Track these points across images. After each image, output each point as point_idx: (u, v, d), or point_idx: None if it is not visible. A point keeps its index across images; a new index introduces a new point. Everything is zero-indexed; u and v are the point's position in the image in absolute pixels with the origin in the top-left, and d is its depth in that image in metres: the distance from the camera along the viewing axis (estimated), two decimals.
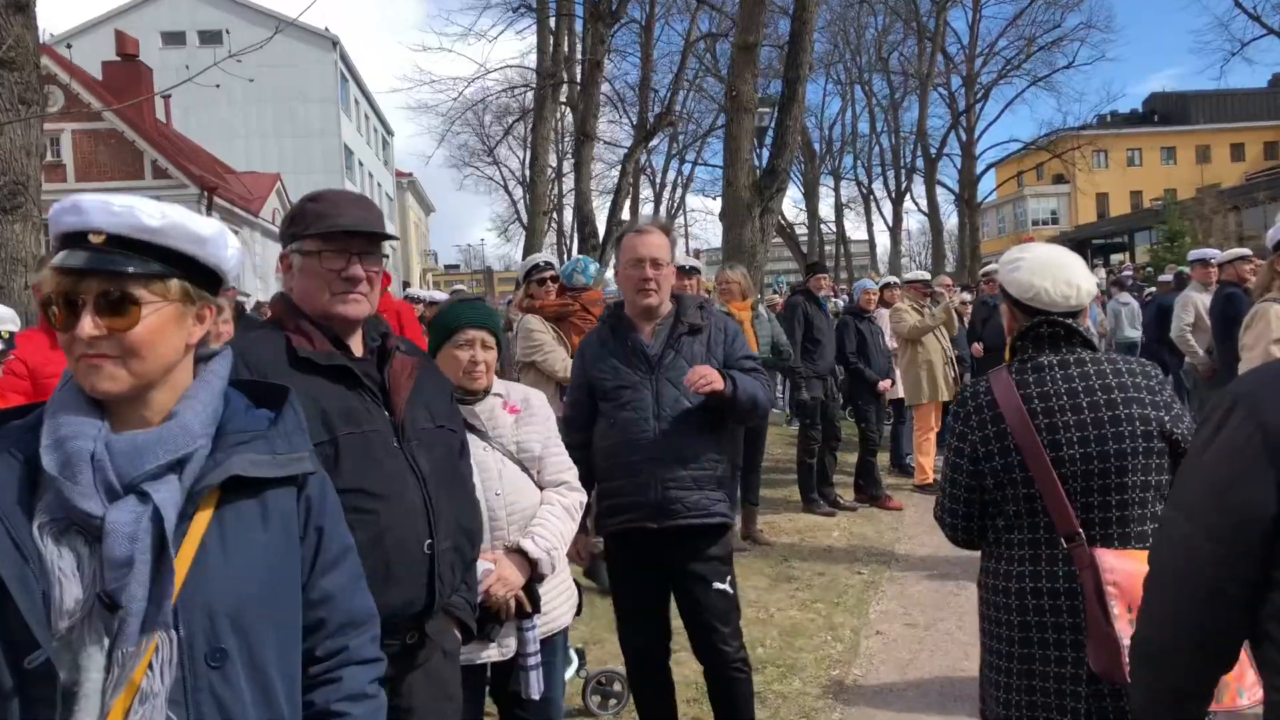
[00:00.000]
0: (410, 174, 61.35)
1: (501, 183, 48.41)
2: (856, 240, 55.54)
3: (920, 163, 40.31)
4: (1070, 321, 2.29)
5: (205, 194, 22.45)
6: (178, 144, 24.79)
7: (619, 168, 28.43)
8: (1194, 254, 8.38)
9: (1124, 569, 2.09)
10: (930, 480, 8.27)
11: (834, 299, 12.52)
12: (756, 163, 13.42)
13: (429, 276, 64.46)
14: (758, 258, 13.11)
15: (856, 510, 7.68)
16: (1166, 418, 2.23)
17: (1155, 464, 2.21)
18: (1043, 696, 2.22)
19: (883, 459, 8.76)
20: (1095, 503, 2.21)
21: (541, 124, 22.32)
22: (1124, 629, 2.03)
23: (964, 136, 38.80)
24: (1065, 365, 2.26)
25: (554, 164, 47.36)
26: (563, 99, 24.36)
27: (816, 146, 45.16)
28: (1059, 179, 51.60)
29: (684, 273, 10.58)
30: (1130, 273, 21.71)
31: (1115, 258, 42.81)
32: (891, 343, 8.96)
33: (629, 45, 33.86)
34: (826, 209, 49.47)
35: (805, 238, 42.87)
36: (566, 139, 44.17)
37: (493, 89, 24.63)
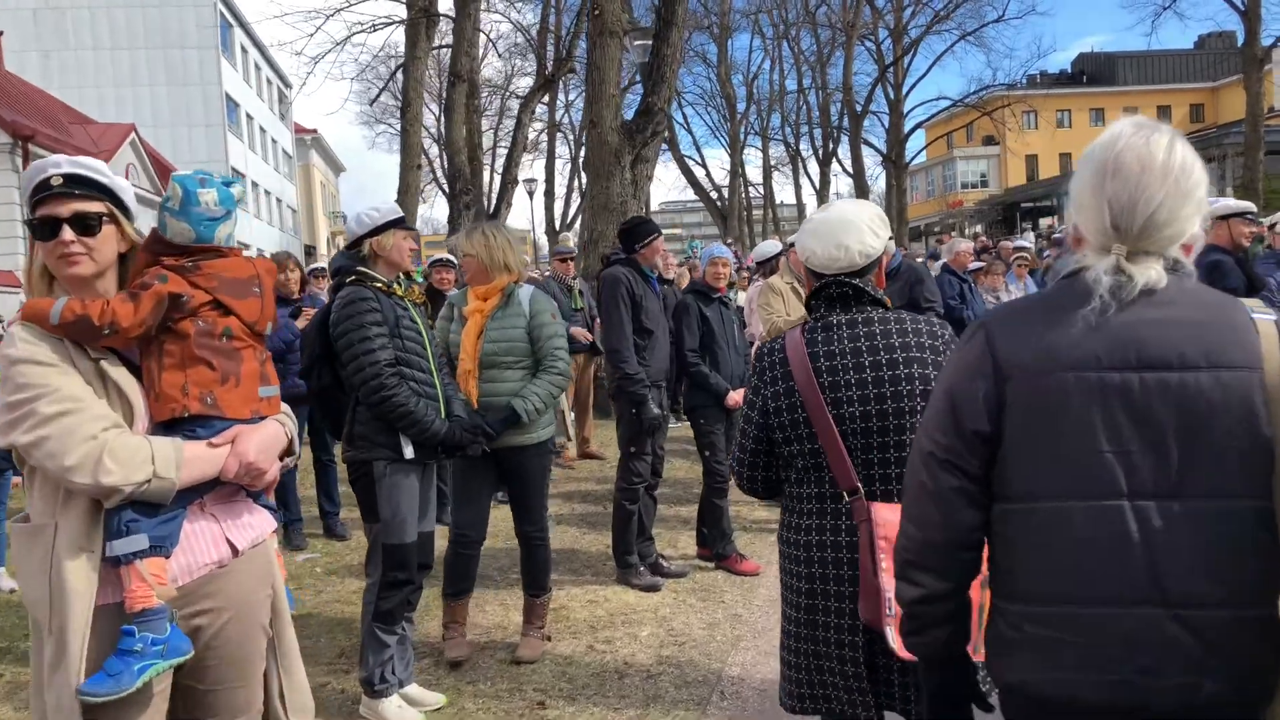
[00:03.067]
0: (314, 130, 57.79)
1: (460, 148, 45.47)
2: (786, 205, 53.94)
3: (847, 122, 38.56)
4: (857, 282, 2.33)
5: (19, 142, 19.39)
6: None
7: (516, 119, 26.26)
8: None
9: (895, 522, 1.90)
10: None
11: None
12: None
13: (338, 239, 61.13)
14: (629, 215, 10.88)
15: (687, 576, 5.37)
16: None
17: None
18: (824, 646, 2.31)
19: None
20: (875, 459, 2.28)
21: (414, 64, 19.65)
22: (888, 581, 2.10)
23: (892, 94, 37.20)
24: (853, 325, 2.31)
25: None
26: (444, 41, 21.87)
27: (741, 106, 43.41)
28: (989, 140, 50.42)
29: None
30: (1062, 234, 20.14)
31: (1044, 221, 41.70)
32: (754, 331, 6.85)
33: None
34: (755, 172, 47.89)
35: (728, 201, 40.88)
36: (484, 90, 41.83)
37: (362, 24, 21.38)
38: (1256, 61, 25.62)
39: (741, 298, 9.01)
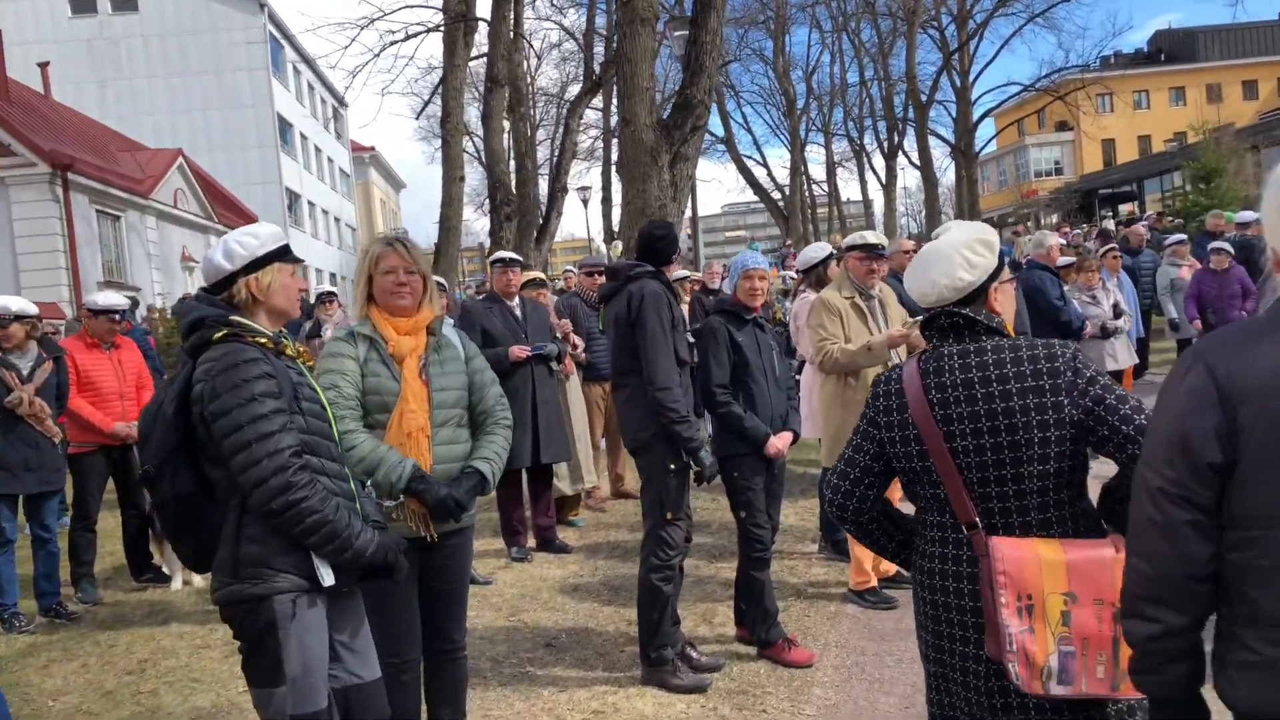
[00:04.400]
0: (371, 148, 58.04)
1: (476, 153, 45.67)
2: (852, 201, 52.50)
3: (912, 113, 37.06)
4: (967, 312, 2.25)
5: (57, 171, 19.11)
6: (39, 116, 21.41)
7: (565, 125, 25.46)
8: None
9: (1015, 557, 2.10)
10: (872, 583, 5.08)
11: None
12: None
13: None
14: (667, 220, 9.87)
15: (721, 670, 4.25)
16: (1065, 401, 2.13)
17: (1054, 452, 2.15)
18: (950, 673, 2.28)
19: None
20: (994, 493, 2.20)
21: (453, 72, 18.96)
22: (1008, 617, 2.09)
23: (957, 81, 35.68)
24: (965, 355, 2.23)
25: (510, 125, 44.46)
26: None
27: (801, 102, 42.20)
28: (1062, 126, 48.38)
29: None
30: (1147, 223, 18.55)
31: (1124, 207, 39.61)
32: (802, 352, 5.77)
33: None
34: (819, 170, 46.68)
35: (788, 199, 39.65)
36: (540, 100, 41.29)
37: (395, 34, 20.70)
38: None
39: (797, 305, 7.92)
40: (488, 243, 23.30)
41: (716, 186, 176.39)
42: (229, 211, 29.46)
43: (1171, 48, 52.49)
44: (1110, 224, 23.08)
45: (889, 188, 42.31)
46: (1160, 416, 1.64)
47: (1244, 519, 1.53)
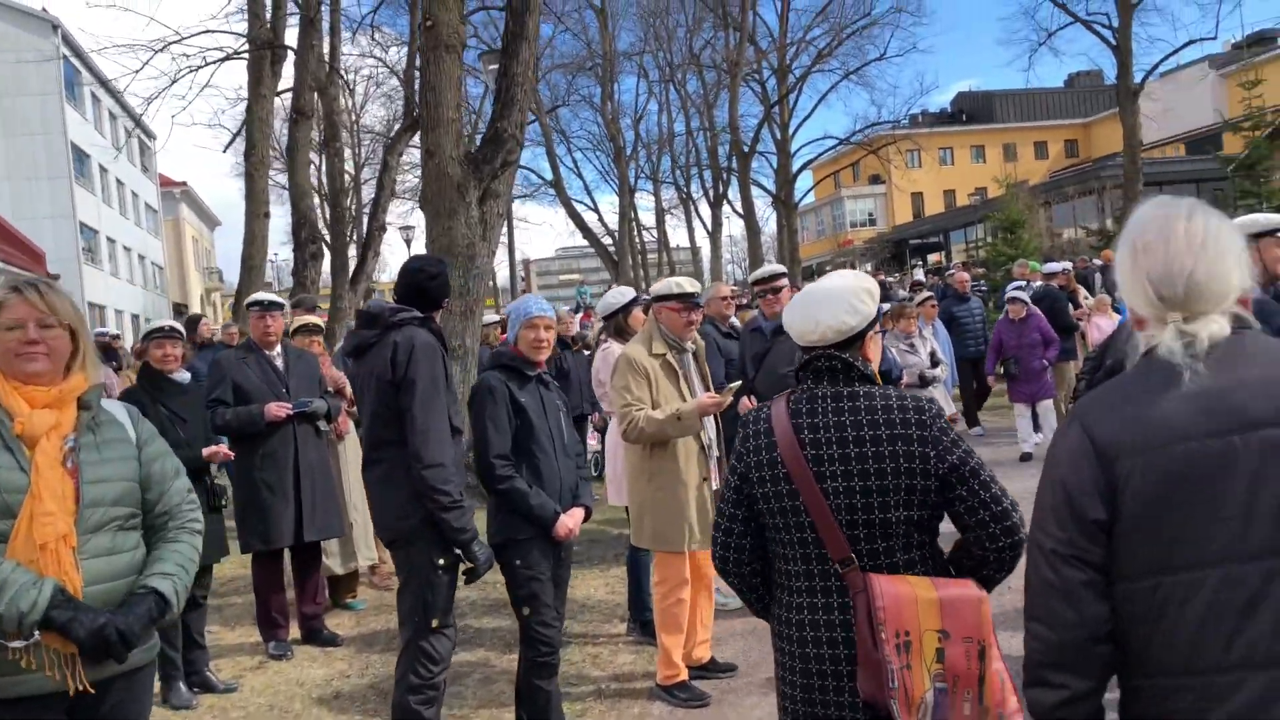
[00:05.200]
0: (184, 183, 54.59)
1: (329, 196, 43.72)
2: (681, 248, 53.20)
3: (735, 163, 37.78)
4: (846, 356, 2.29)
5: None
6: None
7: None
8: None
9: (893, 593, 2.11)
10: (682, 676, 4.44)
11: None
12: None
13: (214, 297, 57.56)
14: (478, 260, 9.18)
15: None
16: (932, 453, 2.20)
17: (919, 500, 2.21)
18: None
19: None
20: (861, 534, 2.22)
21: (258, 103, 17.71)
22: (890, 653, 2.08)
23: (778, 134, 36.63)
24: (839, 399, 2.27)
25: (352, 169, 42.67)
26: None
27: (630, 149, 42.47)
28: (875, 179, 50.66)
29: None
30: (954, 270, 19.22)
31: (932, 257, 41.69)
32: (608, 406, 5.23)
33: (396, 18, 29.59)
34: (649, 217, 47.03)
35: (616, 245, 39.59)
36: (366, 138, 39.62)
37: (192, 58, 19.16)
38: (1130, 94, 25.63)
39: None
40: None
41: (549, 230, 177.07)
42: (13, 248, 26.56)
43: (972, 109, 56.13)
44: (920, 273, 23.91)
45: (715, 235, 43.02)
46: (1046, 479, 1.67)
47: (1129, 572, 1.56)
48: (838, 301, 2.28)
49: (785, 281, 5.56)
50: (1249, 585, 1.47)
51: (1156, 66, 28.02)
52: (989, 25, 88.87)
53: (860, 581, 2.14)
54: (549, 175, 38.59)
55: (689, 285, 4.57)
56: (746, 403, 5.29)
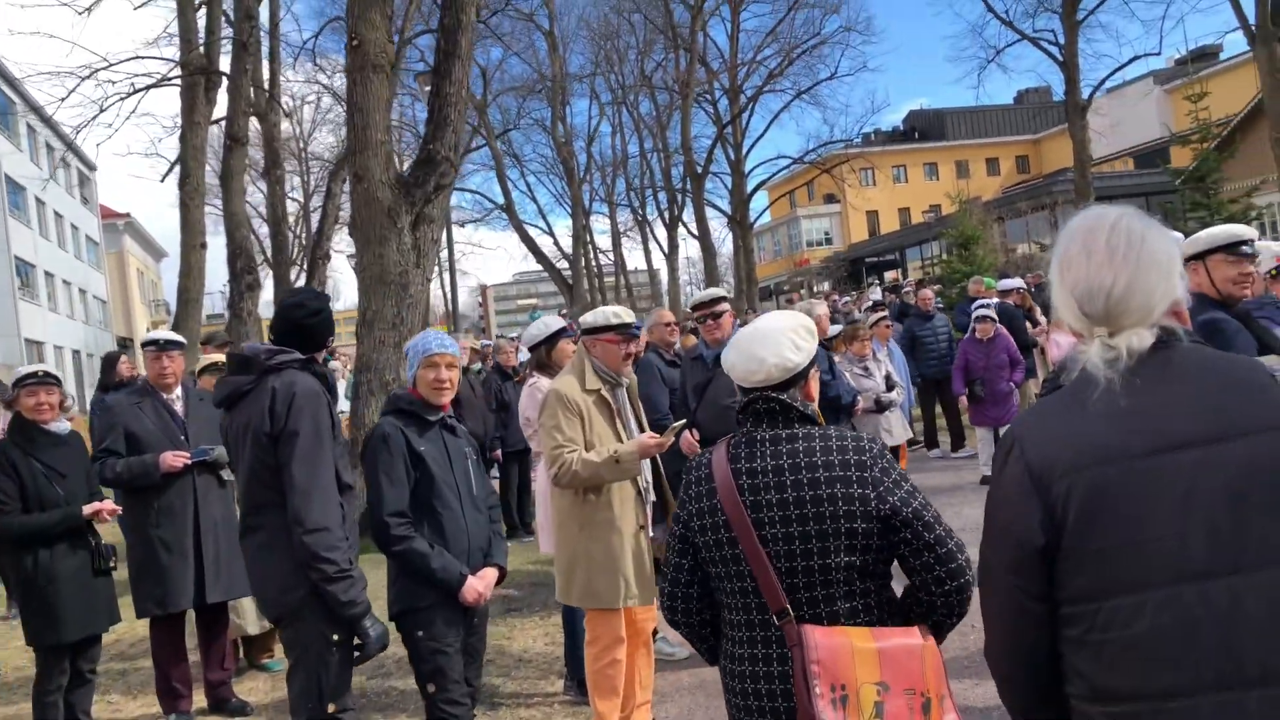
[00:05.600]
0: (127, 214, 53.38)
1: (269, 224, 43.05)
2: (639, 270, 52.94)
3: (689, 184, 37.65)
4: (784, 397, 2.24)
5: None
6: None
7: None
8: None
9: (828, 645, 2.06)
10: None
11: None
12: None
13: (160, 329, 56.17)
14: (412, 289, 8.74)
15: None
16: (873, 495, 2.13)
17: (860, 544, 2.13)
18: None
19: None
20: (801, 582, 2.15)
21: (192, 130, 17.13)
22: (824, 709, 2.02)
23: (732, 155, 36.58)
24: (777, 441, 2.21)
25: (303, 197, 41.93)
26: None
27: (584, 171, 42.23)
28: (830, 198, 50.82)
29: None
30: (910, 287, 19.06)
31: (889, 274, 41.79)
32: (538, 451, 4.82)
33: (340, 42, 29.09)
34: (605, 240, 46.77)
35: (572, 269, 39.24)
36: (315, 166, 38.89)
37: (119, 85, 18.52)
38: (1079, 110, 25.84)
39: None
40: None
41: (504, 255, 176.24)
42: None
43: (924, 127, 56.62)
44: (878, 291, 23.76)
45: (672, 257, 42.86)
46: (991, 504, 1.64)
47: (1071, 596, 1.53)
48: (779, 340, 2.24)
49: (726, 306, 5.17)
50: (1189, 607, 1.43)
51: (1103, 82, 28.33)
52: (937, 44, 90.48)
53: (796, 635, 2.08)
54: (500, 199, 38.37)
55: (625, 315, 4.17)
56: (689, 439, 4.91)
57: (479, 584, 3.27)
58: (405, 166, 9.55)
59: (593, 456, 3.84)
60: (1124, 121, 36.24)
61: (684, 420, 4.64)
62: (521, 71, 40.56)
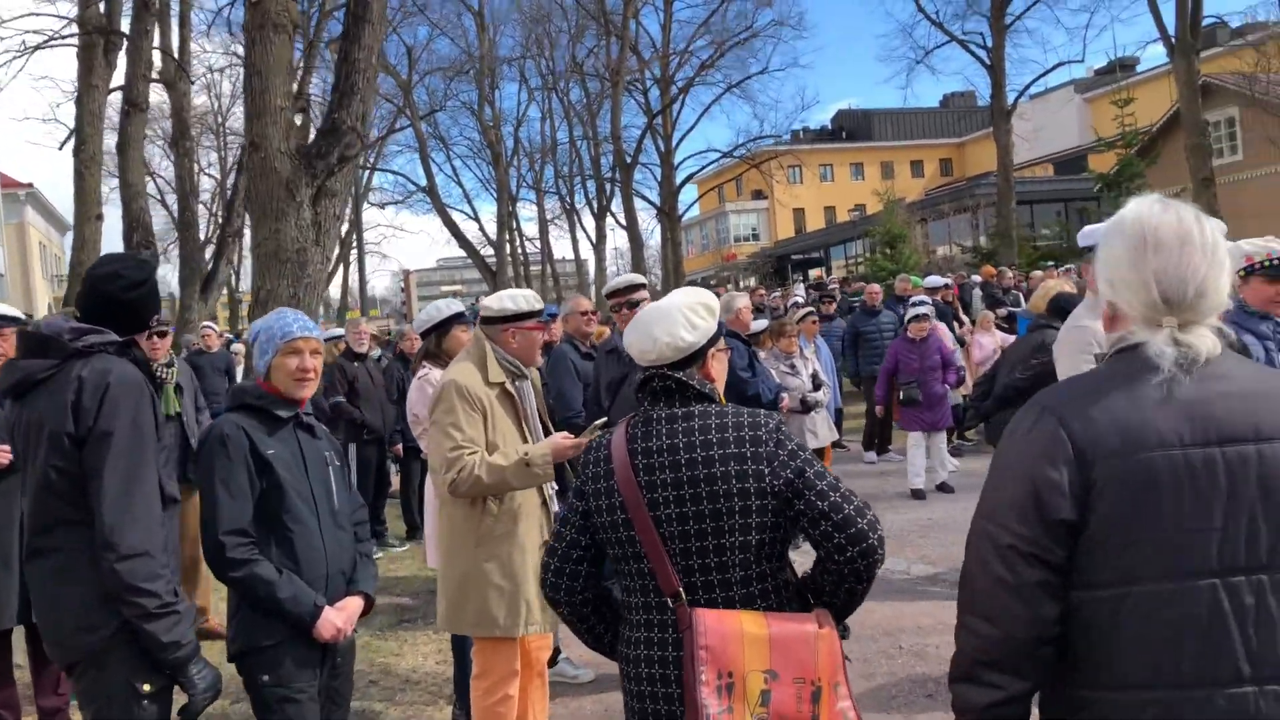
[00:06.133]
0: (29, 184, 50.77)
1: (158, 194, 41.21)
2: (566, 260, 52.39)
3: (619, 173, 37.18)
4: (681, 375, 2.21)
5: None
6: None
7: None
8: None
9: (718, 630, 2.02)
10: None
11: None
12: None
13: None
14: (310, 269, 8.09)
15: None
16: (766, 470, 2.09)
17: (755, 523, 2.09)
18: None
19: None
20: (696, 564, 2.12)
21: (89, 94, 16.09)
22: (708, 695, 1.98)
23: (662, 146, 36.20)
24: (673, 420, 2.17)
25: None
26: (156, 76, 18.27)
27: (514, 159, 41.43)
28: (758, 194, 50.85)
29: None
30: (834, 286, 18.94)
31: (813, 272, 41.96)
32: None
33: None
34: (532, 228, 46.10)
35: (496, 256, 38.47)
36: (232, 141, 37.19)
37: (8, 44, 17.39)
38: (1004, 114, 26.17)
39: None
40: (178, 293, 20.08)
41: (426, 239, 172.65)
42: None
43: (852, 126, 57.07)
44: (801, 289, 23.63)
45: (599, 247, 42.41)
46: (1007, 470, 1.59)
47: (1095, 580, 1.51)
48: (673, 318, 2.21)
49: (644, 294, 4.70)
50: (1220, 601, 1.44)
51: (1028, 87, 28.77)
52: (868, 43, 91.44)
53: (687, 618, 2.04)
54: (422, 180, 37.41)
55: (532, 300, 3.66)
56: None
57: (338, 617, 2.74)
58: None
59: (499, 459, 3.33)
60: (1045, 128, 36.88)
61: (603, 419, 4.19)
62: (450, 52, 39.65)
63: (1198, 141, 19.67)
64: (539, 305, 3.60)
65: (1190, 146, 19.75)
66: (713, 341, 2.25)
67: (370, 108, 8.45)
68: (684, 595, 2.08)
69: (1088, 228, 3.38)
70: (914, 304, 8.86)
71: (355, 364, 7.89)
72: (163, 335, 5.66)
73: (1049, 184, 35.63)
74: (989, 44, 26.47)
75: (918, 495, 8.35)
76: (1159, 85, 28.97)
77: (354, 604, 2.85)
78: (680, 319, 2.20)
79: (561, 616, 2.30)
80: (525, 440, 3.51)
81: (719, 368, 2.29)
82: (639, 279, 4.74)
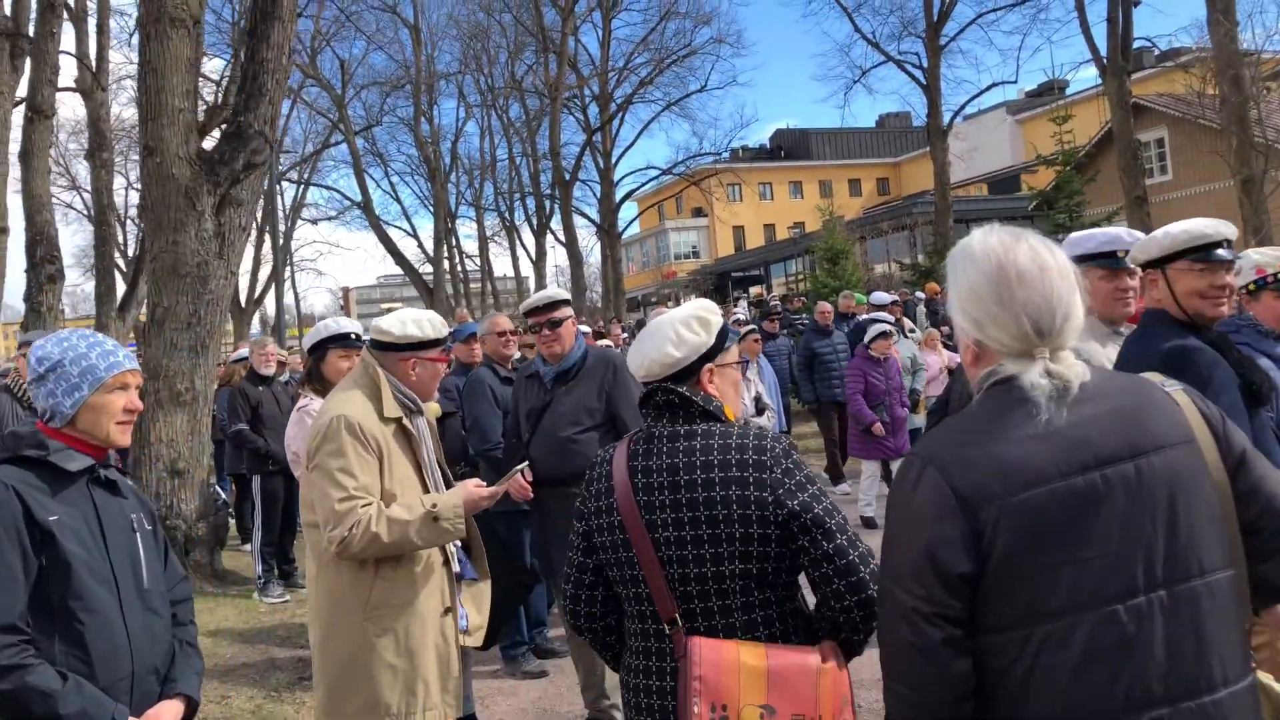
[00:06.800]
0: None
1: (85, 210, 39.94)
2: (507, 277, 51.65)
3: (558, 190, 36.72)
4: (684, 390, 2.12)
5: None
6: None
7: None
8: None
9: (714, 661, 1.93)
10: None
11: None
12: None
13: None
14: (212, 284, 7.45)
15: None
16: (770, 498, 1.98)
17: (757, 551, 1.99)
18: None
19: None
20: (694, 590, 2.03)
21: None
22: None
23: (601, 162, 35.87)
24: (675, 438, 2.09)
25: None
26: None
27: (454, 176, 40.80)
28: (698, 212, 50.77)
29: None
30: (778, 303, 18.66)
31: (754, 289, 41.90)
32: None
33: None
34: (472, 245, 45.34)
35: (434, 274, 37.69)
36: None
37: None
38: (941, 132, 26.34)
39: None
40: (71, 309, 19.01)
41: (364, 255, 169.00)
42: None
43: (790, 145, 57.40)
44: (744, 306, 23.32)
45: (539, 264, 41.87)
46: (900, 530, 1.57)
47: (995, 623, 1.48)
48: (663, 333, 2.14)
49: (568, 311, 4.18)
50: (1123, 625, 1.43)
51: (963, 107, 28.97)
52: (805, 62, 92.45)
53: (683, 646, 1.97)
54: (357, 195, 36.58)
55: (440, 326, 3.09)
56: (520, 482, 3.91)
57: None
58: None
59: (400, 512, 2.77)
60: (979, 148, 37.33)
61: (523, 462, 3.67)
62: (386, 67, 38.89)
63: (1130, 161, 19.85)
64: (444, 332, 3.06)
65: (1123, 166, 19.91)
66: (709, 356, 2.12)
67: (278, 111, 7.86)
68: (681, 622, 2.02)
69: (1074, 235, 2.96)
70: (873, 321, 8.32)
71: (259, 388, 7.25)
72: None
73: (984, 203, 36.00)
74: (924, 64, 26.68)
75: (869, 524, 7.83)
76: (1089, 107, 29.42)
77: (169, 709, 2.23)
78: (670, 334, 2.11)
79: (590, 642, 2.24)
80: (425, 487, 2.98)
81: (723, 384, 2.16)
82: (560, 294, 4.23)
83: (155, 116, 7.26)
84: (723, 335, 2.17)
